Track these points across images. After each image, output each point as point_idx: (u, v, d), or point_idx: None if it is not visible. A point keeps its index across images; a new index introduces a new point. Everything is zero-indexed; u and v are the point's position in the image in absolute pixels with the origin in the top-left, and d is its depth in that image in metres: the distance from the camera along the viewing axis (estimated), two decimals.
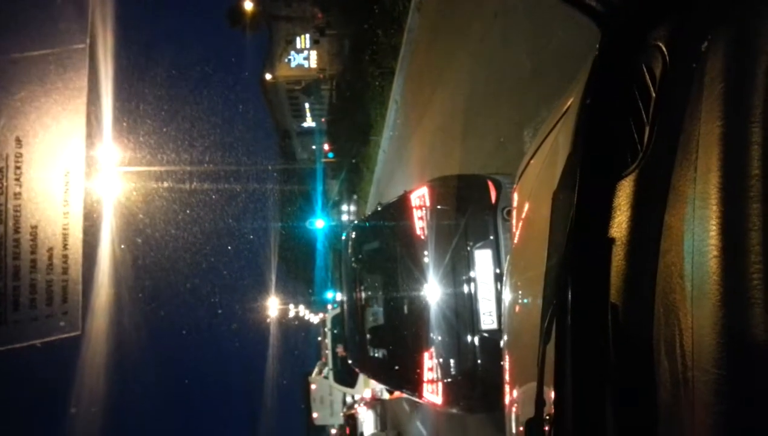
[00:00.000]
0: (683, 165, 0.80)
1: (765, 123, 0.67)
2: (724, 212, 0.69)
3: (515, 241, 1.98)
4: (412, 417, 10.67)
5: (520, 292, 1.85)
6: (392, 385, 4.51)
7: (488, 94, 5.46)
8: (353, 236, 4.69)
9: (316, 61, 38.95)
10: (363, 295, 4.28)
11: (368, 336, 4.23)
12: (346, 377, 11.49)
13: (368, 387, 11.22)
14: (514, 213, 2.07)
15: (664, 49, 0.90)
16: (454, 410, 3.71)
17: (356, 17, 16.62)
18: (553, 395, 1.01)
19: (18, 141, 0.95)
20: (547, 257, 1.13)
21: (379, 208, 4.40)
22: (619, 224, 0.93)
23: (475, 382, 3.22)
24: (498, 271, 3.18)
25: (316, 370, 18.04)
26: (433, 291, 3.35)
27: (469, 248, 3.22)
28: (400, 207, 3.70)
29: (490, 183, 3.33)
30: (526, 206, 1.85)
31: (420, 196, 3.49)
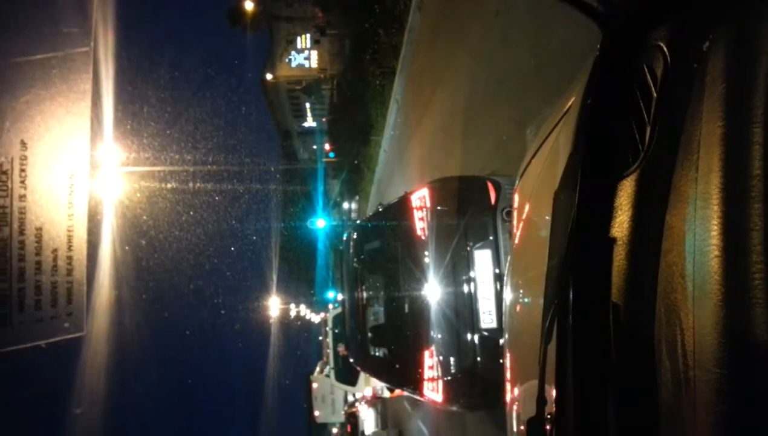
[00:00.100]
0: (684, 165, 0.80)
1: (766, 123, 0.67)
2: (725, 212, 0.69)
3: (516, 240, 1.98)
4: (413, 416, 10.68)
5: (521, 291, 1.85)
6: (393, 383, 4.54)
7: (489, 92, 5.45)
8: (354, 236, 4.73)
9: (316, 61, 38.93)
10: (364, 294, 4.31)
11: (369, 335, 4.25)
12: (347, 376, 11.54)
13: (369, 386, 11.26)
14: (515, 213, 2.08)
15: (665, 49, 0.90)
16: (454, 408, 3.78)
17: (357, 16, 16.61)
18: (554, 394, 1.01)
19: (23, 144, 0.95)
20: (548, 256, 1.13)
21: (380, 209, 4.45)
22: (621, 224, 0.93)
23: (475, 380, 3.26)
24: (497, 271, 3.22)
25: (317, 369, 18.07)
26: (433, 291, 3.38)
27: (468, 249, 3.26)
28: (401, 208, 3.74)
29: (489, 184, 3.37)
30: (527, 206, 1.85)
31: (420, 197, 3.53)
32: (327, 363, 14.89)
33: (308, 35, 38.40)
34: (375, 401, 13.92)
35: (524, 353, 1.70)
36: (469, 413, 5.58)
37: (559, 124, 1.56)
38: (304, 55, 39.54)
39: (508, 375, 1.92)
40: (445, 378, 3.29)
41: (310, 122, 44.21)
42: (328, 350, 13.56)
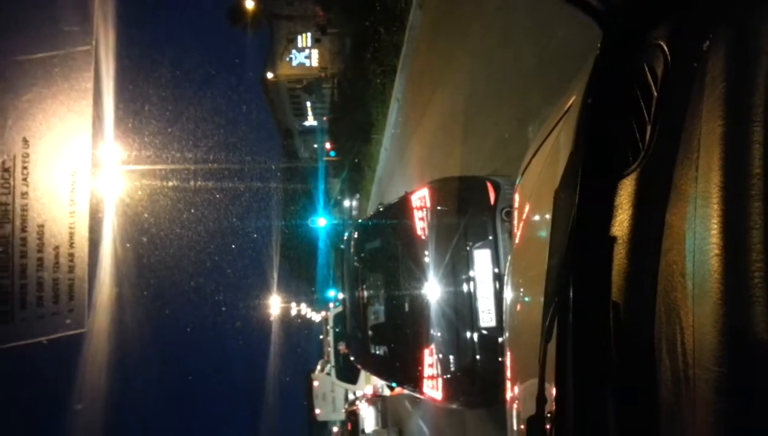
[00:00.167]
0: (684, 164, 0.80)
1: (766, 122, 0.67)
2: (725, 211, 0.69)
3: (516, 239, 1.98)
4: (413, 414, 10.70)
5: (521, 290, 1.85)
6: (393, 381, 4.56)
7: (490, 90, 5.44)
8: (355, 235, 4.77)
9: (317, 60, 38.89)
10: (365, 293, 4.34)
11: (370, 333, 4.28)
12: (348, 374, 11.58)
13: (370, 384, 11.29)
14: (516, 212, 2.08)
15: (665, 48, 0.90)
16: (454, 406, 3.79)
17: (358, 15, 16.58)
18: (554, 393, 1.02)
19: (25, 141, 0.96)
20: (548, 255, 1.14)
21: (381, 209, 4.49)
22: (621, 223, 0.93)
23: (475, 378, 3.29)
24: (497, 270, 3.25)
25: (318, 367, 18.11)
26: (433, 290, 3.41)
27: (468, 248, 3.29)
28: (401, 208, 3.77)
29: (489, 184, 3.40)
30: (528, 205, 1.85)
31: (420, 197, 3.56)
32: (328, 361, 14.92)
33: (309, 34, 38.36)
34: (375, 399, 13.95)
35: (524, 351, 1.70)
36: (469, 411, 5.60)
37: (559, 123, 1.56)
38: (305, 54, 39.50)
39: (508, 374, 1.92)
40: (445, 376, 3.32)
41: (310, 121, 44.19)
42: (329, 349, 13.59)
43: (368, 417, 15.50)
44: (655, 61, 0.92)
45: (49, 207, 0.99)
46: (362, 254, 4.49)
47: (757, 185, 0.66)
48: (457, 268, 3.30)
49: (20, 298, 0.96)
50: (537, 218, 1.73)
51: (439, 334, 3.36)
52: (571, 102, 1.46)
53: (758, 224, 0.65)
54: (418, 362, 3.40)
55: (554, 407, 1.02)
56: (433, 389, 3.41)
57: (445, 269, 3.33)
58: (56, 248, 1.00)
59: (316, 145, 41.43)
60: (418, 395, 3.81)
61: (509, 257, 2.15)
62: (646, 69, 0.94)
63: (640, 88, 0.95)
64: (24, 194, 0.96)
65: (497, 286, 3.23)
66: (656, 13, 0.94)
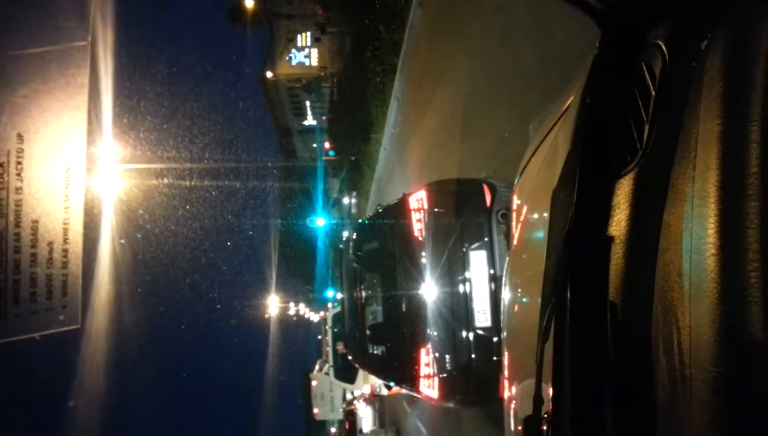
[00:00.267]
0: (682, 163, 0.80)
1: (763, 122, 0.67)
2: (722, 210, 0.69)
3: (515, 239, 1.98)
4: (410, 414, 10.71)
5: (519, 290, 1.85)
6: (391, 380, 4.62)
7: (491, 89, 5.44)
8: (354, 236, 4.83)
9: (317, 59, 38.88)
10: (363, 294, 4.40)
11: (368, 333, 4.32)
12: (346, 374, 11.63)
13: (367, 383, 11.32)
14: (514, 211, 2.08)
15: (663, 48, 0.90)
16: (450, 404, 3.84)
17: (358, 13, 16.57)
18: (551, 393, 1.01)
19: (20, 137, 0.95)
20: (546, 255, 1.13)
21: (380, 210, 4.54)
22: (618, 223, 0.93)
23: (470, 377, 3.34)
24: (492, 271, 3.31)
25: (317, 367, 18.14)
26: (430, 290, 3.47)
27: (464, 250, 3.35)
28: (399, 209, 3.83)
29: (485, 187, 3.46)
30: (526, 205, 1.85)
31: (418, 199, 3.62)
32: (326, 361, 14.95)
33: (308, 33, 38.36)
34: (373, 398, 13.98)
35: (522, 351, 1.70)
36: (465, 410, 5.65)
37: (558, 123, 1.56)
38: (305, 53, 39.49)
39: (506, 373, 1.92)
40: (441, 375, 3.38)
41: (310, 120, 44.17)
42: (328, 348, 13.62)
43: (366, 417, 15.52)
44: (654, 60, 0.92)
45: (44, 203, 0.99)
46: (360, 255, 4.54)
47: (754, 185, 0.66)
48: (454, 269, 3.36)
49: (13, 293, 0.96)
50: (535, 217, 1.73)
51: (435, 334, 3.41)
52: (569, 102, 1.46)
53: (755, 223, 0.65)
54: (415, 361, 3.45)
55: (551, 408, 1.02)
56: (429, 388, 3.46)
57: (442, 269, 3.39)
58: (50, 243, 0.99)
59: (315, 145, 41.45)
60: (415, 395, 3.86)
61: (507, 257, 2.16)
62: (645, 68, 0.94)
63: (638, 88, 0.95)
64: (18, 190, 0.95)
65: (492, 287, 3.29)
66: (655, 13, 0.94)
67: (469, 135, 6.04)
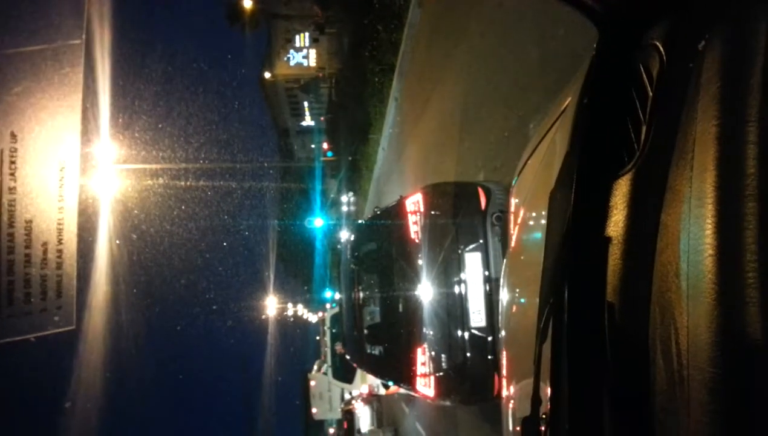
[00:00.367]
0: (680, 164, 0.80)
1: (761, 122, 0.67)
2: (719, 211, 0.69)
3: (513, 240, 1.98)
4: (408, 415, 10.71)
5: (517, 290, 1.85)
6: (388, 379, 4.68)
7: (491, 88, 5.43)
8: (351, 238, 4.94)
9: (315, 60, 38.89)
10: (361, 294, 4.47)
11: (366, 333, 4.38)
12: (344, 374, 11.69)
13: (365, 383, 11.36)
14: (512, 212, 2.08)
15: (661, 48, 0.90)
16: (446, 402, 3.96)
17: (356, 13, 16.57)
18: (549, 393, 1.01)
19: (13, 136, 0.94)
20: (544, 255, 1.13)
21: (377, 212, 4.66)
22: (616, 223, 0.93)
23: (466, 375, 3.42)
24: (487, 273, 3.40)
25: (315, 367, 18.17)
26: (426, 291, 3.54)
27: (460, 251, 3.43)
28: (396, 212, 3.93)
29: (480, 190, 3.55)
30: (524, 206, 1.85)
31: (415, 202, 3.72)
32: (325, 361, 14.98)
33: (307, 34, 38.36)
34: (371, 398, 13.99)
35: (520, 351, 1.70)
36: (462, 409, 5.69)
37: (555, 123, 1.56)
38: (303, 54, 39.48)
39: (504, 372, 1.92)
40: (437, 374, 3.46)
41: (308, 121, 44.16)
42: (326, 349, 13.65)
43: (364, 416, 15.53)
44: (651, 61, 0.92)
45: (38, 203, 0.98)
46: (358, 256, 4.62)
47: (751, 185, 0.66)
48: (449, 270, 3.44)
49: (7, 294, 0.95)
50: (533, 218, 1.73)
51: (431, 333, 3.49)
52: (567, 102, 1.46)
53: (752, 224, 0.65)
54: (412, 360, 3.53)
55: (549, 408, 1.02)
56: (426, 387, 3.53)
57: (438, 271, 3.47)
58: (44, 244, 0.99)
59: (313, 145, 41.44)
60: (412, 393, 3.92)
61: (505, 257, 2.16)
62: (642, 69, 0.94)
63: (635, 89, 0.95)
64: (12, 189, 0.95)
65: (487, 288, 3.37)
66: (652, 14, 0.94)
67: (469, 134, 6.03)
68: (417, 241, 3.59)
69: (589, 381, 0.93)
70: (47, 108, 0.97)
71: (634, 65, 0.95)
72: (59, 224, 1.00)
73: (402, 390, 6.41)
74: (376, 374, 5.23)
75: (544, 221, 1.24)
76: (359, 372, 11.08)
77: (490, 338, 3.28)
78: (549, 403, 1.01)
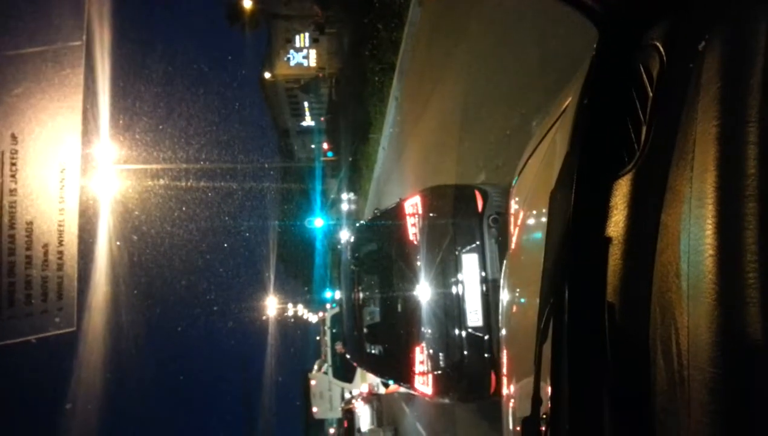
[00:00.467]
0: (680, 164, 0.80)
1: (761, 122, 0.67)
2: (720, 211, 0.69)
3: (513, 240, 1.98)
4: (408, 414, 10.71)
5: (518, 290, 1.85)
6: (388, 378, 4.75)
7: (492, 86, 5.41)
8: (352, 239, 5.03)
9: (315, 60, 38.87)
10: (361, 295, 4.54)
11: (365, 333, 4.44)
12: (344, 373, 11.73)
13: (365, 382, 11.40)
14: (512, 212, 2.08)
15: (661, 48, 0.90)
16: (444, 400, 4.06)
17: (356, 12, 16.55)
18: (549, 393, 1.01)
19: (13, 137, 0.95)
20: (544, 255, 1.13)
21: (377, 214, 4.74)
22: (616, 223, 0.93)
23: (463, 373, 3.49)
24: (483, 274, 3.48)
25: (315, 367, 18.21)
26: (424, 291, 3.63)
27: (457, 253, 3.51)
28: (395, 214, 4.01)
29: (477, 192, 3.63)
30: (524, 206, 1.85)
31: (413, 205, 3.81)
32: (325, 361, 15.02)
33: (307, 34, 38.34)
34: (371, 397, 14.01)
35: (521, 351, 1.70)
36: (462, 408, 5.75)
37: (556, 124, 1.56)
38: (303, 54, 39.46)
39: (504, 372, 1.92)
40: (436, 372, 3.53)
41: (308, 121, 44.15)
42: (326, 348, 13.68)
43: (364, 415, 15.55)
44: (651, 61, 0.92)
45: (38, 204, 0.98)
46: (358, 257, 4.71)
47: (752, 186, 0.66)
48: (447, 271, 3.52)
49: (8, 296, 0.95)
50: (533, 218, 1.73)
51: (429, 333, 3.57)
52: (567, 103, 1.46)
53: (753, 224, 0.65)
54: (411, 359, 3.60)
55: (549, 408, 1.02)
56: (424, 385, 3.60)
57: (436, 272, 3.56)
58: (45, 245, 0.99)
59: (313, 146, 41.43)
60: (411, 392, 3.98)
61: (506, 257, 2.17)
62: (642, 69, 0.93)
63: (636, 89, 0.95)
64: (12, 191, 0.95)
65: (484, 288, 3.46)
66: (652, 14, 0.94)
67: (470, 133, 6.02)
68: (415, 242, 3.68)
69: (589, 381, 0.93)
70: (48, 109, 0.97)
71: (634, 65, 0.95)
72: (60, 225, 1.01)
73: (402, 389, 6.46)
74: (376, 373, 5.32)
75: (544, 221, 1.24)
76: (359, 371, 11.11)
77: (486, 337, 3.36)
78: (549, 403, 1.01)
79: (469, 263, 3.47)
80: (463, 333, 3.43)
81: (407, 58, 9.87)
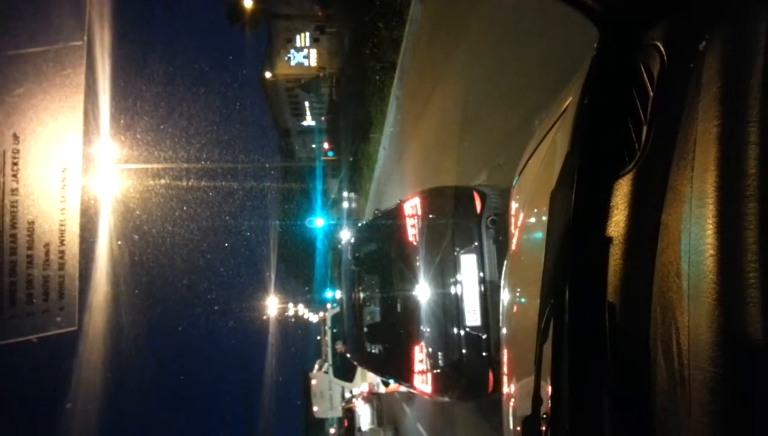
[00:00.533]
0: (680, 164, 0.80)
1: (761, 122, 0.67)
2: (720, 211, 0.69)
3: (514, 240, 1.98)
4: (408, 414, 10.72)
5: (518, 290, 1.85)
6: (388, 376, 4.79)
7: (494, 84, 5.39)
8: (352, 240, 5.10)
9: (315, 60, 38.86)
10: (361, 295, 4.60)
11: (366, 332, 4.47)
12: (344, 373, 11.77)
13: (366, 381, 11.42)
14: (513, 212, 2.08)
15: (661, 48, 0.90)
16: (443, 398, 4.06)
17: (357, 10, 16.52)
18: (549, 393, 1.01)
19: (15, 137, 0.95)
20: (544, 255, 1.13)
21: (377, 214, 4.81)
22: (617, 223, 0.93)
23: (461, 372, 3.54)
24: (482, 274, 3.53)
25: (316, 366, 18.25)
26: (423, 291, 3.68)
27: (455, 253, 3.57)
28: (395, 215, 4.08)
29: (475, 194, 3.69)
30: (525, 206, 1.85)
31: (413, 206, 3.87)
32: (326, 360, 15.06)
33: (307, 33, 38.33)
34: (371, 397, 14.02)
35: (521, 351, 1.70)
36: (462, 408, 5.78)
37: (556, 124, 1.56)
38: (303, 54, 39.45)
39: (505, 372, 1.92)
40: (434, 371, 3.58)
41: (309, 121, 44.14)
42: (327, 348, 13.70)
43: (364, 415, 15.55)
44: (652, 61, 0.92)
45: (40, 204, 0.98)
46: (359, 258, 4.76)
47: (752, 186, 0.66)
48: (445, 271, 3.58)
49: (9, 295, 0.95)
50: (534, 218, 1.73)
51: (428, 332, 3.61)
52: (567, 102, 1.46)
53: (753, 224, 0.65)
54: (410, 358, 3.65)
55: (550, 408, 1.02)
56: (423, 383, 3.65)
57: (435, 272, 3.61)
58: (47, 245, 0.99)
59: (314, 145, 41.44)
60: (411, 391, 4.01)
61: (507, 257, 2.17)
62: (643, 69, 0.93)
63: (636, 89, 0.95)
64: (14, 191, 0.95)
65: (482, 288, 3.51)
66: (653, 13, 0.94)
67: (472, 132, 6.00)
68: (415, 243, 3.73)
69: (589, 381, 0.94)
70: (49, 109, 0.98)
71: (635, 65, 0.95)
72: (61, 224, 1.01)
73: (402, 389, 6.50)
74: (376, 372, 5.36)
75: (544, 221, 1.24)
76: (359, 371, 11.14)
77: (484, 336, 3.41)
78: (549, 403, 1.01)
79: (468, 264, 3.53)
80: (462, 332, 3.48)
81: (408, 56, 9.85)
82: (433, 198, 3.94)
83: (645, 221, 0.87)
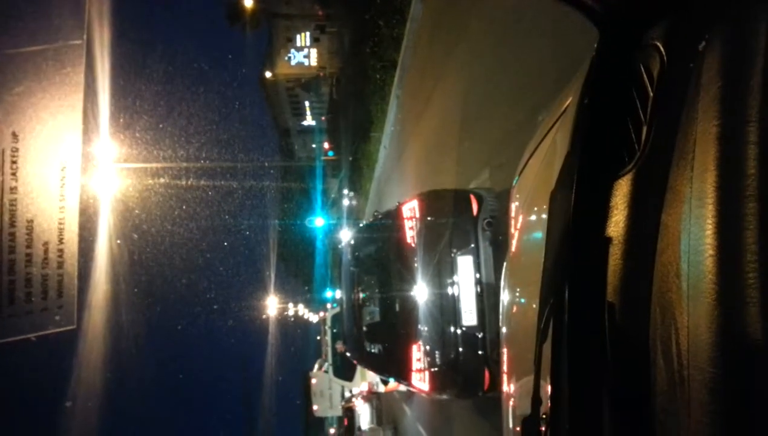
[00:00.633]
0: (680, 164, 0.80)
1: (761, 122, 0.67)
2: (720, 211, 0.69)
3: (513, 240, 1.98)
4: (408, 413, 10.73)
5: (518, 290, 1.85)
6: (387, 375, 4.85)
7: (495, 82, 5.37)
8: (352, 242, 5.19)
9: (316, 59, 38.88)
10: (360, 295, 4.68)
11: (365, 332, 4.53)
12: (344, 372, 11.80)
13: (365, 381, 11.45)
14: (513, 212, 2.08)
15: (661, 48, 0.90)
16: (440, 396, 4.17)
17: (357, 9, 16.51)
18: (549, 393, 1.01)
19: (14, 136, 0.95)
20: (544, 255, 1.13)
21: (377, 215, 4.92)
22: (616, 223, 0.93)
23: (458, 370, 3.61)
24: (478, 275, 3.61)
25: (316, 365, 18.30)
26: (421, 292, 3.76)
27: (453, 255, 3.65)
28: (394, 217, 4.17)
29: (472, 197, 3.77)
30: (525, 206, 1.85)
31: (411, 208, 3.95)
32: (326, 360, 15.10)
33: (308, 33, 38.34)
34: (371, 396, 14.05)
35: (521, 351, 1.70)
36: (461, 407, 5.82)
37: (556, 124, 1.56)
38: (304, 53, 39.46)
39: (504, 372, 1.92)
40: (432, 369, 3.66)
41: (309, 120, 44.14)
42: (327, 348, 13.74)
43: (364, 414, 15.58)
44: (651, 61, 0.92)
45: (39, 202, 0.99)
46: (358, 259, 4.84)
47: (752, 186, 0.66)
48: (443, 272, 3.65)
49: (8, 294, 0.96)
50: (533, 218, 1.73)
51: (426, 331, 3.68)
52: (567, 103, 1.46)
53: (753, 224, 0.65)
54: (408, 357, 3.72)
55: (549, 408, 1.02)
56: (421, 382, 3.72)
57: (432, 273, 3.69)
58: (45, 243, 0.99)
59: (314, 145, 41.45)
60: (409, 389, 4.07)
61: (506, 257, 2.17)
62: (643, 69, 0.93)
63: (636, 89, 0.95)
64: (13, 189, 0.95)
65: (478, 289, 3.58)
66: (652, 13, 0.94)
67: (472, 131, 5.99)
68: (413, 244, 3.80)
69: (589, 381, 0.94)
70: (48, 108, 0.97)
71: (635, 65, 0.95)
72: (60, 223, 1.01)
73: (401, 388, 6.55)
74: (376, 371, 5.45)
75: (544, 221, 1.24)
76: (359, 370, 11.17)
77: (480, 336, 3.47)
78: (549, 402, 1.01)
79: (464, 265, 3.59)
80: (459, 332, 3.54)
81: (409, 54, 9.83)
82: (430, 201, 4.01)
83: (645, 221, 0.87)
